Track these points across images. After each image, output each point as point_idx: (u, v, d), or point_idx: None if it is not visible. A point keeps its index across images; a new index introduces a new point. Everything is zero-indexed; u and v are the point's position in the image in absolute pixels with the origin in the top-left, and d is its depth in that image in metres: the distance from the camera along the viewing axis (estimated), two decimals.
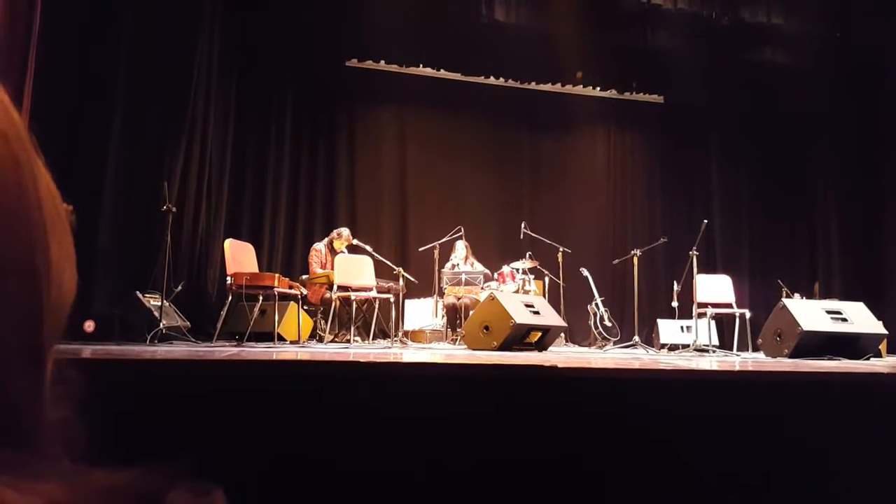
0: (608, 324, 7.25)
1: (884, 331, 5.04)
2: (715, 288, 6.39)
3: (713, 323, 6.41)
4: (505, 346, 4.87)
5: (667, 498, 2.26)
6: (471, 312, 5.87)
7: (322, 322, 6.29)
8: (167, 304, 5.17)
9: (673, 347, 6.71)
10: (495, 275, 6.96)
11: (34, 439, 0.33)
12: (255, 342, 5.17)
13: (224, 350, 3.99)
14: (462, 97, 8.59)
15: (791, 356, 4.69)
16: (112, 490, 0.31)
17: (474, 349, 5.03)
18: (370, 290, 5.93)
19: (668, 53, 7.61)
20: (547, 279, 7.45)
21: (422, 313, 7.34)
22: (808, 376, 2.89)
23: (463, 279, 6.72)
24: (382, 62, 8.28)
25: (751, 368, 3.23)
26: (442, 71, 8.44)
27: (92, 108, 5.55)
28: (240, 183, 7.51)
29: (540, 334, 5.29)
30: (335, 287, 5.79)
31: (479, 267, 6.98)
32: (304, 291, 6.00)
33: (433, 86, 8.51)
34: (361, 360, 2.83)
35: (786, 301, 5.08)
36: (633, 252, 6.70)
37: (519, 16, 7.20)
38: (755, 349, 5.62)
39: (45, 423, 0.34)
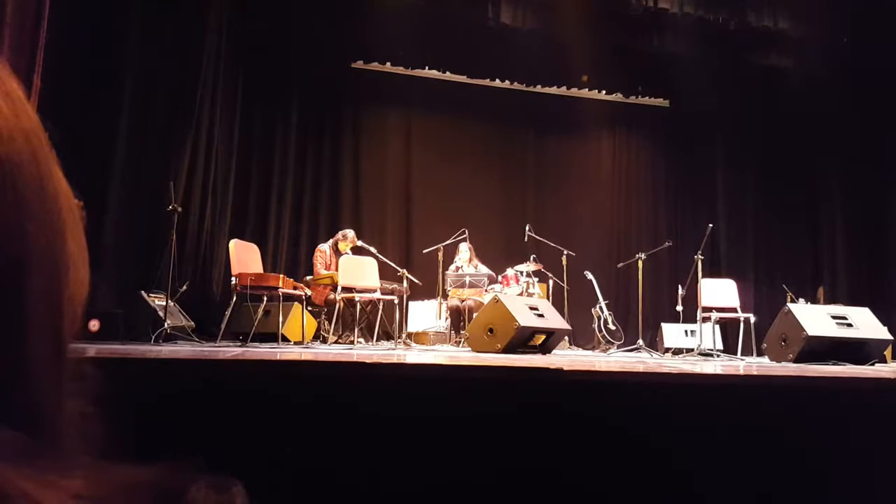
0: (612, 327, 7.23)
1: (889, 336, 5.02)
2: (720, 292, 6.37)
3: (717, 327, 6.39)
4: (509, 349, 4.87)
5: (669, 502, 2.25)
6: (474, 315, 5.87)
7: (326, 323, 6.30)
8: (172, 303, 5.18)
9: (677, 351, 6.69)
10: (499, 277, 6.96)
11: (55, 431, 0.33)
12: (258, 343, 5.18)
13: (228, 350, 4.00)
14: (467, 100, 8.59)
15: (796, 361, 4.68)
16: (134, 486, 0.31)
17: (478, 351, 5.03)
18: (374, 291, 5.94)
19: (673, 57, 7.60)
20: (551, 282, 7.44)
21: (425, 315, 7.34)
22: (813, 381, 2.87)
23: (467, 281, 6.71)
24: (388, 64, 8.30)
25: (755, 373, 3.22)
26: (448, 73, 8.46)
27: (98, 108, 5.57)
28: (245, 184, 7.53)
29: (544, 337, 5.28)
30: (339, 288, 5.80)
31: (482, 269, 6.98)
32: (309, 292, 6.01)
33: (439, 88, 8.52)
34: (365, 361, 2.83)
35: (791, 306, 5.07)
36: (637, 256, 6.68)
37: (525, 19, 7.20)
38: (760, 354, 5.60)
39: (65, 415, 0.34)
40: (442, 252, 6.96)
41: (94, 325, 4.83)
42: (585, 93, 8.88)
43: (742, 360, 5.55)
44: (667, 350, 6.97)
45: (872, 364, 4.74)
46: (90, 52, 5.48)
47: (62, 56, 4.90)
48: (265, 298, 5.59)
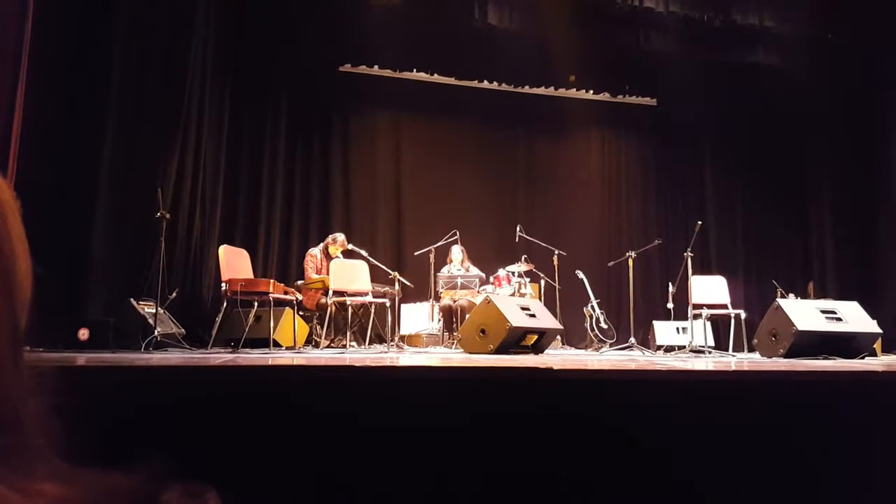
0: (604, 326, 7.25)
1: (878, 329, 5.05)
2: (710, 289, 6.41)
3: (709, 324, 6.43)
4: (501, 349, 4.87)
5: (663, 501, 2.25)
6: (467, 316, 5.87)
7: (318, 327, 6.28)
8: (161, 311, 5.15)
9: (669, 349, 6.72)
10: (491, 278, 6.96)
11: (22, 430, 0.33)
12: (250, 348, 5.16)
13: (219, 356, 3.98)
14: (456, 101, 8.59)
15: (786, 356, 4.70)
16: (108, 491, 0.31)
17: (471, 352, 5.03)
18: (366, 294, 5.93)
19: (660, 56, 7.64)
20: (542, 282, 7.46)
21: (418, 317, 7.34)
22: (804, 376, 2.89)
23: (459, 283, 6.72)
24: (376, 67, 8.29)
25: (747, 369, 3.24)
26: (436, 75, 8.46)
27: (85, 114, 5.53)
28: (234, 189, 7.49)
29: (536, 337, 5.29)
30: (331, 292, 5.79)
31: (474, 270, 6.99)
32: (300, 297, 5.99)
33: (427, 90, 8.52)
34: (357, 364, 2.83)
35: (780, 301, 5.10)
36: (628, 254, 6.71)
37: (512, 19, 7.22)
38: (751, 350, 5.64)
39: (29, 413, 0.34)
40: (433, 254, 6.95)
41: (83, 333, 4.80)
42: (573, 93, 8.91)
43: (733, 356, 5.59)
44: (659, 347, 7.01)
45: (862, 357, 4.78)
46: (76, 59, 5.44)
47: (47, 63, 4.87)
48: (256, 304, 5.57)
